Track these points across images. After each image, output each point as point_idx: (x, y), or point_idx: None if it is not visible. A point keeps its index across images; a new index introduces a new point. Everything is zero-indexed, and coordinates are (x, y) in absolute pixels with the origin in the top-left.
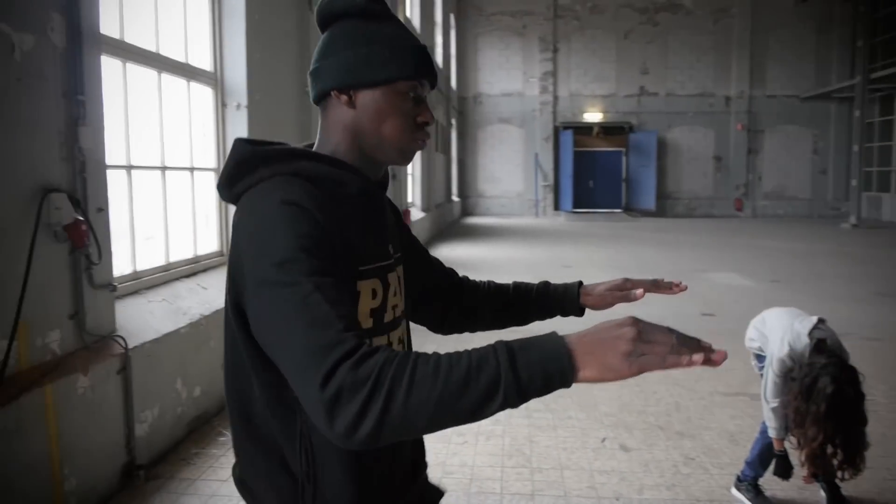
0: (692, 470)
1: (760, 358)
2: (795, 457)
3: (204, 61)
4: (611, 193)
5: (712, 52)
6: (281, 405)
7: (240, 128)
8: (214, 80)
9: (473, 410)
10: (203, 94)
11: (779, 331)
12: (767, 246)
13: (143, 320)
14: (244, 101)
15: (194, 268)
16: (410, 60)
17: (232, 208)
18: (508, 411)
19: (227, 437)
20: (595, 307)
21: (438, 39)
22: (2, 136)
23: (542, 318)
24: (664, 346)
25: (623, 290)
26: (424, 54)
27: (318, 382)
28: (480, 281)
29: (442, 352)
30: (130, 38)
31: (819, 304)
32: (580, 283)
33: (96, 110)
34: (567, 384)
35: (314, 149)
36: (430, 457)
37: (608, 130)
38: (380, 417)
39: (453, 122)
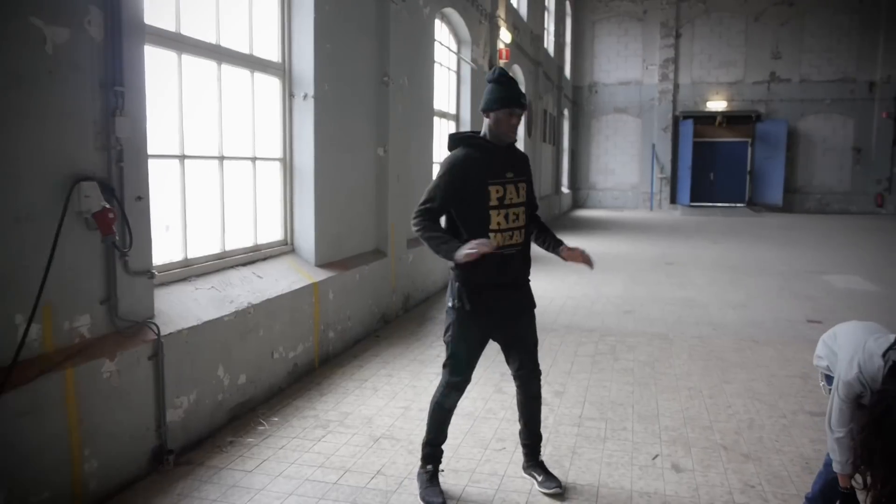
0: (749, 499)
1: (830, 379)
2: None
3: (271, 53)
4: (733, 187)
5: (855, 33)
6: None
7: (306, 117)
8: (282, 70)
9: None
10: (270, 85)
11: (849, 349)
12: None
13: (185, 307)
14: (311, 91)
15: (253, 256)
16: (507, 100)
17: (298, 198)
18: (558, 419)
19: (266, 427)
20: (565, 259)
21: (550, 27)
22: (33, 126)
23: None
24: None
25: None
26: (513, 97)
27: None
28: (540, 224)
29: None
30: (188, 31)
31: None
32: (561, 245)
33: (136, 101)
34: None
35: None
36: (462, 462)
37: (733, 120)
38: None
39: (566, 112)
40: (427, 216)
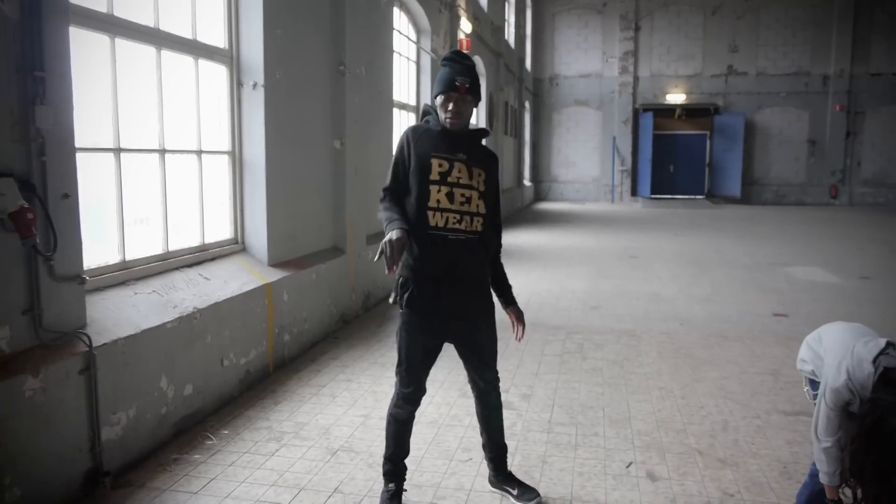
0: None
1: (815, 384)
2: None
3: (217, 38)
4: (693, 179)
5: (810, 27)
6: None
7: (256, 108)
8: (229, 58)
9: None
10: (216, 73)
11: (836, 354)
12: (862, 237)
13: (122, 314)
14: (261, 79)
15: (200, 257)
16: (441, 82)
17: (249, 194)
18: (526, 425)
19: (214, 441)
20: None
21: (511, 19)
22: None
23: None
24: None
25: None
26: (447, 78)
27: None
28: (498, 269)
29: None
30: (122, 13)
31: None
32: (509, 303)
33: (60, 88)
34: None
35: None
36: (425, 476)
37: (692, 112)
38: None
39: (527, 104)
40: (386, 197)
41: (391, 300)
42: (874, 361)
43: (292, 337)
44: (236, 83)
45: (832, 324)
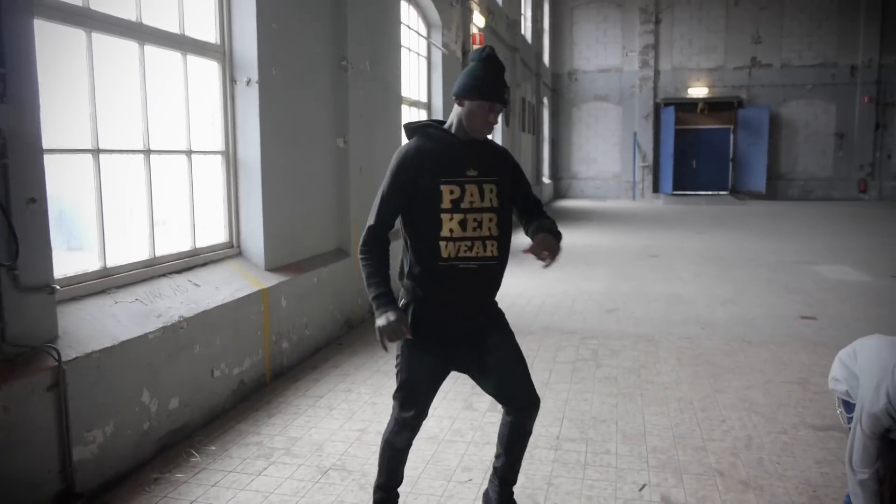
0: None
1: (849, 406)
2: None
3: (208, 33)
4: (716, 174)
5: (836, 17)
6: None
7: (251, 105)
8: (221, 53)
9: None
10: (207, 70)
11: (875, 373)
12: (892, 233)
13: (99, 325)
14: (255, 76)
15: (190, 262)
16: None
17: (244, 196)
18: (533, 440)
19: (198, 458)
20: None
21: (527, 13)
22: None
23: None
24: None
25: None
26: (497, 89)
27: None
28: (538, 217)
29: None
30: (99, 6)
31: None
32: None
33: (24, 85)
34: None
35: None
36: (420, 500)
37: (714, 106)
38: None
39: (545, 100)
40: (369, 243)
41: None
42: None
43: (292, 344)
44: (229, 80)
45: (869, 338)
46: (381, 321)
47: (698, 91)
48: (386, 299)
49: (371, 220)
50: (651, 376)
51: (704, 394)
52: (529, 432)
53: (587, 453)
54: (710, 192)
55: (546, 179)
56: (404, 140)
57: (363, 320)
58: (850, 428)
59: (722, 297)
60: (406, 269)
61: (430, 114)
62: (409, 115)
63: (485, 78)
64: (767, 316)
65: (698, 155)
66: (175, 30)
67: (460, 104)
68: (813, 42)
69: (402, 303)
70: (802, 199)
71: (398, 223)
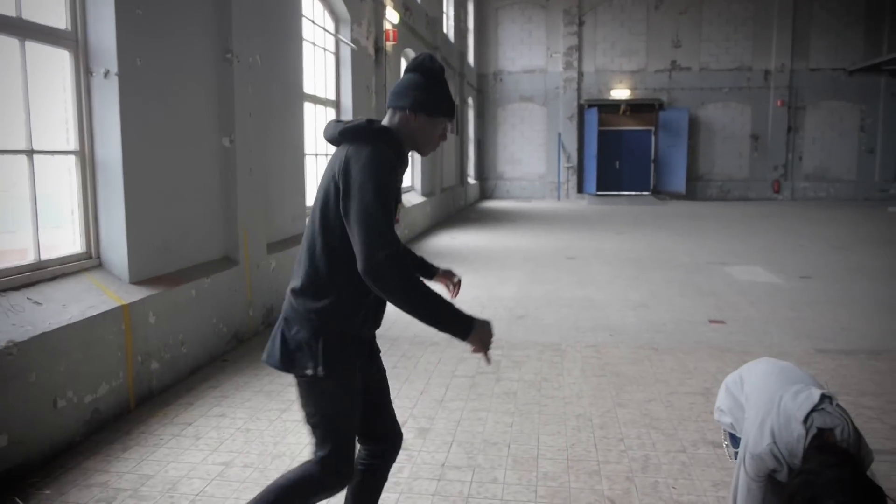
0: None
1: (736, 440)
2: None
3: (56, 18)
4: (638, 175)
5: (751, 23)
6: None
7: (110, 100)
8: (73, 41)
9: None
10: (55, 60)
11: (760, 406)
12: (804, 233)
13: None
14: (115, 67)
15: (33, 277)
16: (448, 108)
17: (103, 201)
18: (415, 470)
19: None
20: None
21: (450, 11)
22: None
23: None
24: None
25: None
26: (452, 105)
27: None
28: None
29: None
30: None
31: (856, 309)
32: (436, 270)
33: None
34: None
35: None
36: None
37: (636, 108)
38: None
39: (470, 100)
40: (400, 251)
41: (311, 372)
42: (805, 421)
43: (163, 364)
44: (84, 71)
45: (757, 362)
46: (485, 331)
47: (621, 93)
48: (466, 313)
49: (383, 226)
50: (552, 390)
51: (605, 409)
52: (387, 478)
53: (472, 483)
54: (632, 193)
55: (472, 180)
56: (310, 140)
57: (256, 333)
58: (735, 465)
59: (635, 300)
60: (321, 280)
61: (338, 113)
62: (316, 113)
63: (443, 94)
64: (677, 321)
65: (621, 156)
66: (10, 12)
67: (412, 118)
68: (730, 47)
69: (314, 347)
70: (720, 200)
71: (320, 229)
